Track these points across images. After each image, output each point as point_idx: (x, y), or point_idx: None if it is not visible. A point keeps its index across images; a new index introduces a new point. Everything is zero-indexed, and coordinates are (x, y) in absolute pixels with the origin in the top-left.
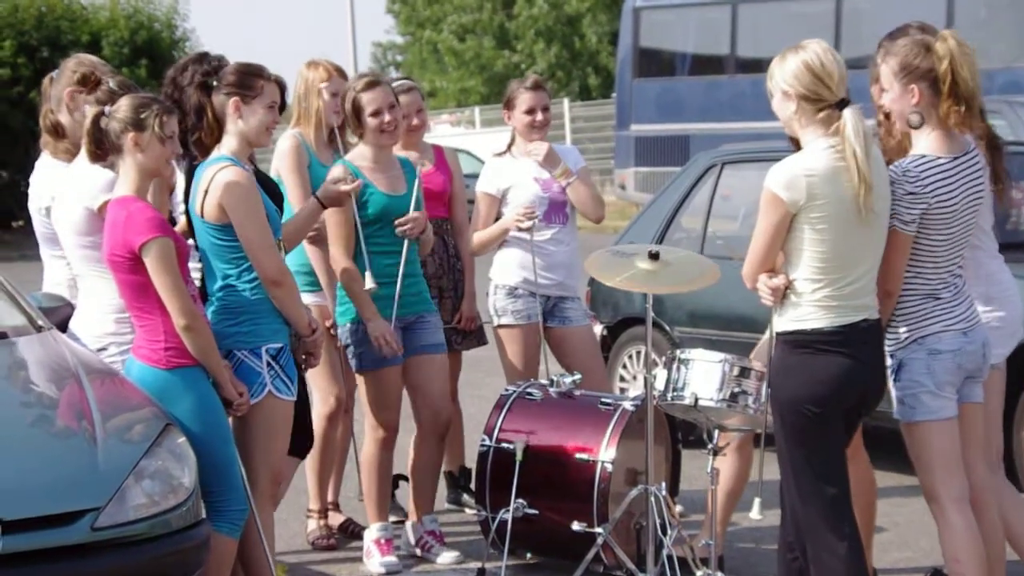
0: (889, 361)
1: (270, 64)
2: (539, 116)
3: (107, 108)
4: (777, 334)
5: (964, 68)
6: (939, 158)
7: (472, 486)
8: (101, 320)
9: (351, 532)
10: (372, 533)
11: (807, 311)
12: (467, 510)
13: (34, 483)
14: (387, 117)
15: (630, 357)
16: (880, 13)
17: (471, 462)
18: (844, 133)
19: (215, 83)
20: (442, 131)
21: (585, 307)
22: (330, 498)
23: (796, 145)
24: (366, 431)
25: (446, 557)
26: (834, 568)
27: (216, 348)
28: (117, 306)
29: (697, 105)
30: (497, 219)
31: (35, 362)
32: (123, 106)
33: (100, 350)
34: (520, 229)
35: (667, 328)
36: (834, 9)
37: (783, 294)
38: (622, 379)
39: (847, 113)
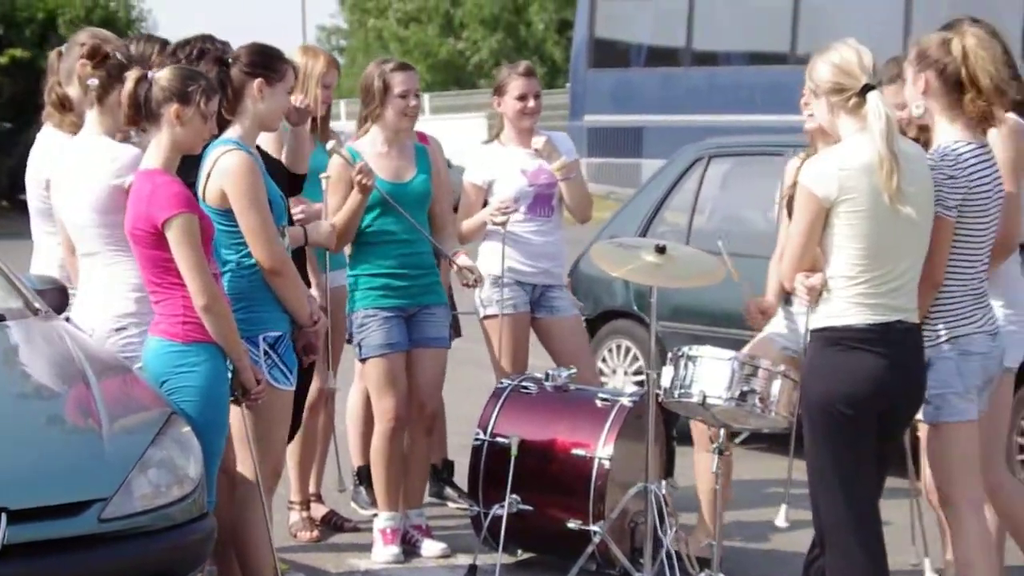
0: None
1: None
2: (531, 103)
3: (150, 73)
4: (811, 331)
5: (981, 64)
6: (970, 143)
7: (455, 479)
8: (121, 300)
9: (334, 524)
10: (379, 522)
11: (841, 307)
12: (450, 504)
13: (38, 472)
14: (413, 101)
15: (610, 351)
16: (837, 8)
17: (454, 455)
18: (866, 116)
19: (231, 60)
20: None
21: (573, 297)
22: (312, 489)
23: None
24: (375, 421)
25: (433, 549)
26: (849, 573)
27: (237, 331)
28: (136, 285)
29: (652, 97)
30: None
31: (35, 347)
32: (169, 75)
33: (119, 330)
34: (495, 223)
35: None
36: (792, 5)
37: (819, 294)
38: (601, 373)
39: (869, 96)
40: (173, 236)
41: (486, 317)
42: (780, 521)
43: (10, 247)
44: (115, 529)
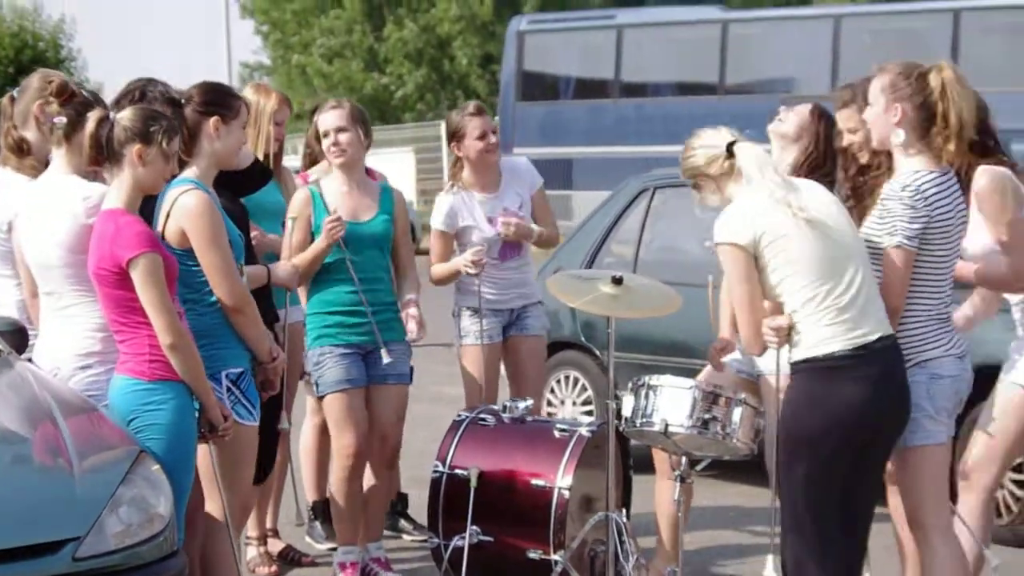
0: None
1: None
2: (492, 138)
3: (112, 113)
4: (792, 364)
5: (956, 102)
6: (932, 172)
7: (409, 511)
8: (85, 339)
9: (291, 559)
10: (338, 555)
11: (820, 334)
12: (405, 536)
13: (11, 512)
14: (332, 138)
15: (558, 382)
16: (765, 40)
17: (407, 487)
18: (742, 171)
19: (184, 100)
20: None
21: (545, 318)
22: (268, 524)
23: None
24: (335, 457)
25: None
26: None
27: (203, 369)
28: (101, 324)
29: (581, 129)
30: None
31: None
32: (131, 116)
33: (84, 368)
34: (470, 274)
35: (598, 352)
36: (720, 36)
37: (788, 333)
38: (549, 403)
39: (736, 151)
40: (138, 276)
41: (463, 346)
42: (768, 573)
43: None
44: (89, 568)
